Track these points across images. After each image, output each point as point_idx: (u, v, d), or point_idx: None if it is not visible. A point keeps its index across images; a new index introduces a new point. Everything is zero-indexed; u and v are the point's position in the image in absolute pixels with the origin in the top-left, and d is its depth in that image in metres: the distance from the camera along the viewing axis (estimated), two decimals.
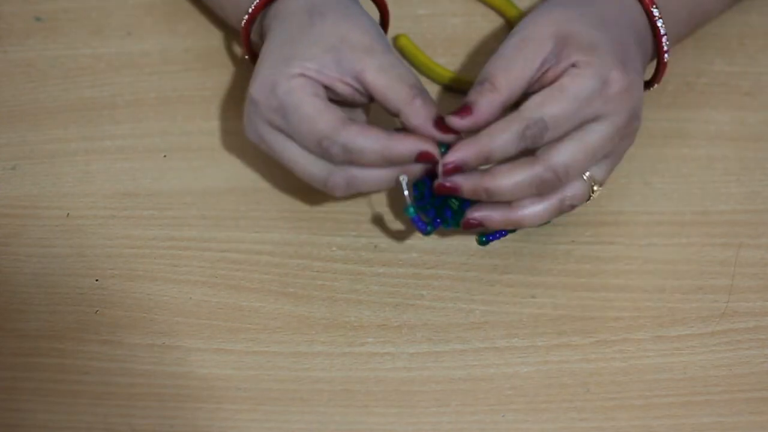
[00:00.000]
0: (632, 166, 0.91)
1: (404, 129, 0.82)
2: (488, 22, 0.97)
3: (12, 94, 0.95)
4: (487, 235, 0.89)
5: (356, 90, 0.82)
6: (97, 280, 0.88)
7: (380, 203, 0.91)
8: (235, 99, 0.94)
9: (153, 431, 0.84)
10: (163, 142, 0.93)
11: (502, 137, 0.80)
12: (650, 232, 0.90)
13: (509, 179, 0.81)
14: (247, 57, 0.89)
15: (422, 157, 0.81)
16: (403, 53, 0.95)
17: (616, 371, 0.85)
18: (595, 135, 0.82)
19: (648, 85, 0.89)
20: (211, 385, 0.85)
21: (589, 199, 0.84)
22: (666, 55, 0.87)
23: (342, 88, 0.82)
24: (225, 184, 0.91)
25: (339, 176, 0.82)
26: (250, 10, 0.86)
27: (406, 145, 0.81)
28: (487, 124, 0.81)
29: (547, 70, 0.82)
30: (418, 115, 0.81)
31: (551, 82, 0.81)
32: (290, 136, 0.83)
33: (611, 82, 0.81)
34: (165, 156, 0.93)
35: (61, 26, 0.97)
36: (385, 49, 0.83)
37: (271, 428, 0.84)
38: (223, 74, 0.95)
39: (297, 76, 0.82)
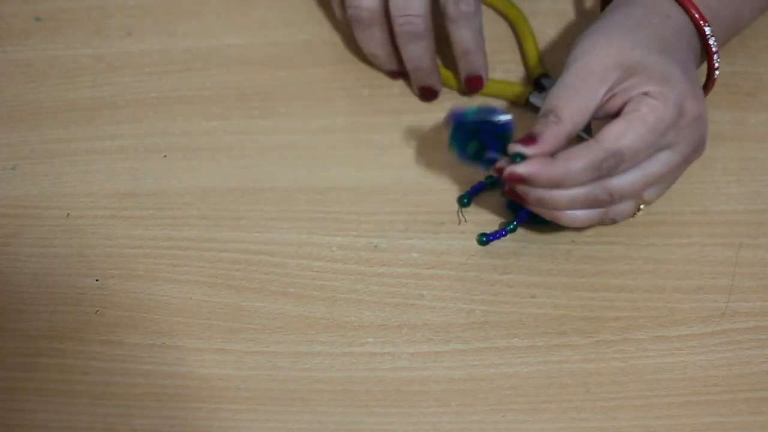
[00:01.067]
0: None
1: None
2: (488, 22, 0.97)
3: (12, 94, 0.95)
4: (487, 235, 0.89)
5: None
6: (97, 280, 0.88)
7: (380, 203, 0.91)
8: (236, 99, 0.94)
9: (153, 431, 0.84)
10: (163, 142, 0.93)
11: (578, 165, 0.80)
12: (650, 232, 0.89)
13: (566, 194, 0.82)
14: None
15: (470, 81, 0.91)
16: None
17: (616, 371, 0.85)
18: (661, 163, 0.82)
19: None
20: (211, 385, 0.85)
21: (633, 216, 0.84)
22: (716, 72, 0.87)
23: None
24: (225, 184, 0.91)
25: None
26: None
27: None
28: (551, 154, 0.81)
29: (611, 97, 0.82)
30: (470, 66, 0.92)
31: (618, 109, 0.81)
32: None
33: (686, 111, 0.81)
34: (165, 156, 0.93)
35: (61, 26, 0.97)
36: None
37: (271, 428, 0.84)
38: (223, 74, 0.95)
39: None
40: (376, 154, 0.93)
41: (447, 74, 0.94)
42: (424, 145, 0.93)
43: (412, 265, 0.89)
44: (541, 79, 0.94)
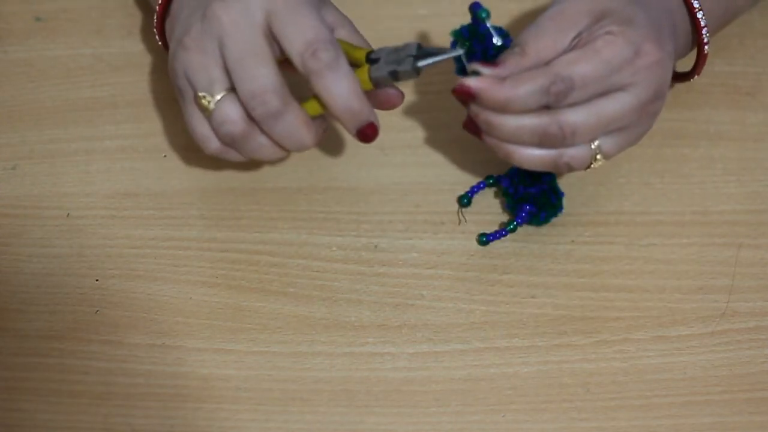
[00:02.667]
0: (632, 166, 0.91)
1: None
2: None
3: (12, 94, 0.95)
4: (487, 235, 0.89)
5: None
6: (97, 280, 0.88)
7: (380, 203, 0.91)
8: None
9: (153, 431, 0.84)
10: (163, 142, 0.93)
11: (526, 87, 0.80)
12: (650, 232, 0.90)
13: (514, 120, 0.81)
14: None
15: None
16: None
17: (616, 371, 0.85)
18: (616, 103, 0.81)
19: (687, 76, 0.90)
20: (211, 385, 0.85)
21: (588, 167, 0.83)
22: (706, 47, 0.87)
23: None
24: (225, 184, 0.91)
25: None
26: None
27: None
28: None
29: (579, 41, 0.82)
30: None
31: None
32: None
33: (643, 53, 0.81)
34: (165, 156, 0.93)
35: (61, 26, 0.97)
36: None
37: (271, 428, 0.84)
38: None
39: None
40: (376, 154, 0.93)
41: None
42: (424, 145, 0.93)
43: (412, 265, 0.89)
44: (369, 56, 0.84)
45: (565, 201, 0.89)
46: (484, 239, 0.89)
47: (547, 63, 0.81)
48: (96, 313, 0.87)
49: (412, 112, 0.94)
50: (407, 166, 0.92)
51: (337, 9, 0.86)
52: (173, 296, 0.88)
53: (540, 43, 0.81)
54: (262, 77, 0.81)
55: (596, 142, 0.82)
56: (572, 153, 0.83)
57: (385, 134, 0.92)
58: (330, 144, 0.93)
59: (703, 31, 0.87)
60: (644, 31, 0.82)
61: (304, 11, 0.81)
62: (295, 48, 0.81)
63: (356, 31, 0.86)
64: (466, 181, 0.91)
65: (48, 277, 0.88)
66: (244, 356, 0.86)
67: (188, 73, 0.83)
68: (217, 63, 0.82)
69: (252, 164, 0.92)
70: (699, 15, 0.86)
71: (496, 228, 0.89)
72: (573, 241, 0.89)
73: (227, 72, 0.82)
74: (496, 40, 0.83)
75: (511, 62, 0.81)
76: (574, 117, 0.81)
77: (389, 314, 0.87)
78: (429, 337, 0.86)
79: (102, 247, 0.89)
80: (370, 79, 0.83)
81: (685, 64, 0.90)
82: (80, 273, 0.88)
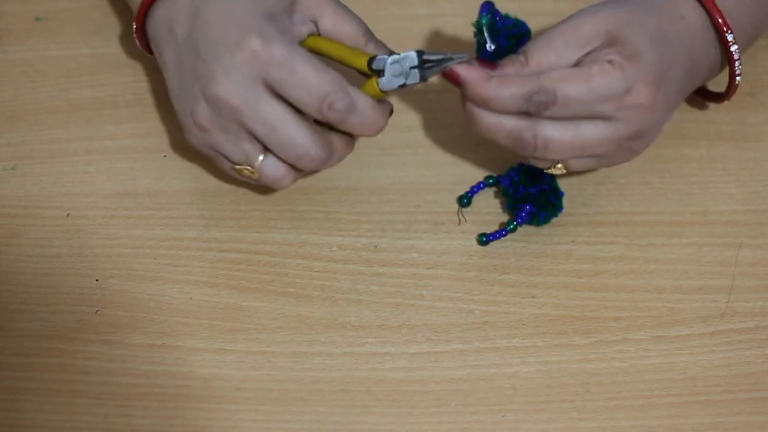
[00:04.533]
0: (632, 166, 0.91)
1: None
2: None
3: (12, 94, 0.95)
4: (487, 235, 0.89)
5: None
6: (97, 280, 0.88)
7: (380, 203, 0.91)
8: None
9: (153, 431, 0.84)
10: (163, 142, 0.93)
11: (509, 90, 0.81)
12: (650, 232, 0.90)
13: (494, 118, 0.82)
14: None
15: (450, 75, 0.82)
16: (317, 52, 0.87)
17: (616, 371, 0.85)
18: (595, 130, 0.82)
19: (718, 98, 0.90)
20: (211, 385, 0.85)
21: (547, 168, 0.84)
22: (737, 78, 0.87)
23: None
24: (225, 184, 0.91)
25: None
26: None
27: None
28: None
29: (584, 61, 0.82)
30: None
31: None
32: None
33: (634, 92, 0.81)
34: (165, 156, 0.93)
35: (61, 26, 0.97)
36: None
37: (271, 428, 0.84)
38: None
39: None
40: (376, 154, 0.93)
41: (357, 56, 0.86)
42: (424, 145, 0.93)
43: (412, 265, 0.89)
44: (370, 65, 0.85)
45: (565, 201, 0.89)
46: (484, 239, 0.89)
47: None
48: (96, 313, 0.87)
49: (412, 112, 0.94)
50: (407, 166, 0.92)
51: None
52: (173, 296, 0.88)
53: (543, 57, 0.82)
54: (299, 138, 0.83)
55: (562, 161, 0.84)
56: (535, 159, 0.84)
57: (385, 134, 0.92)
58: None
59: (736, 64, 0.86)
60: (646, 70, 0.81)
61: (298, 66, 0.82)
62: (309, 108, 0.83)
63: (340, 11, 0.86)
64: (466, 181, 0.91)
65: (48, 277, 0.88)
66: (244, 356, 0.86)
67: (216, 149, 0.85)
68: (245, 137, 0.84)
69: None
70: (733, 48, 0.86)
71: (496, 228, 0.89)
72: (573, 241, 0.89)
73: (257, 139, 0.84)
74: (489, 46, 0.83)
75: (510, 69, 0.82)
76: (551, 131, 0.82)
77: (389, 314, 0.87)
78: (429, 337, 0.86)
79: (102, 247, 0.89)
80: (380, 91, 0.84)
81: (719, 82, 0.90)
82: (80, 273, 0.88)
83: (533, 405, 0.84)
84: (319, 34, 0.86)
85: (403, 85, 0.84)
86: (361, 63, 0.85)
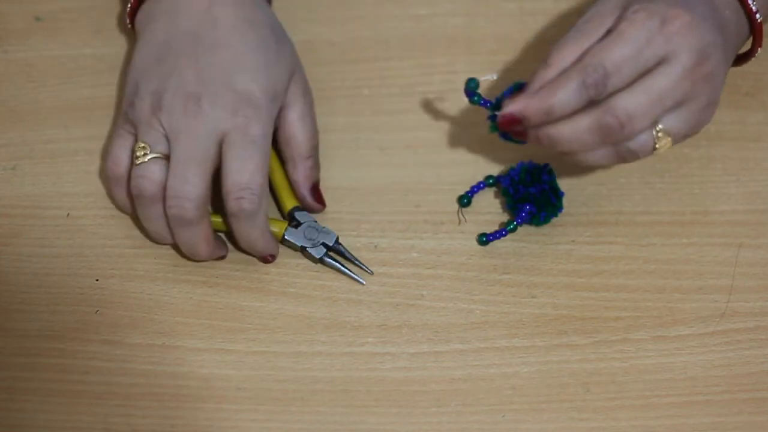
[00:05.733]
0: (632, 166, 0.91)
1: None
2: (488, 23, 0.97)
3: (12, 94, 0.95)
4: (487, 235, 0.89)
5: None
6: (97, 280, 0.88)
7: (380, 203, 0.91)
8: None
9: (153, 431, 0.84)
10: None
11: (563, 89, 0.79)
12: (650, 232, 0.90)
13: (570, 125, 0.80)
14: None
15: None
16: None
17: (616, 371, 0.85)
18: (661, 78, 0.80)
19: (748, 55, 0.88)
20: (211, 385, 0.85)
21: (654, 150, 0.82)
22: (758, 15, 0.84)
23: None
24: None
25: None
26: None
27: None
28: None
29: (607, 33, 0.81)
30: (305, 174, 0.89)
31: None
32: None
33: (670, 19, 0.80)
34: None
35: (61, 26, 0.97)
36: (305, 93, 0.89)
37: (271, 428, 0.84)
38: None
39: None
40: (376, 154, 0.93)
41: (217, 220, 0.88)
42: (424, 145, 0.93)
43: (412, 265, 0.89)
44: (294, 211, 0.89)
45: (565, 201, 0.89)
46: (484, 239, 0.89)
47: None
48: (96, 313, 0.87)
49: (412, 112, 0.94)
50: (407, 166, 0.92)
51: (304, 80, 0.89)
52: (173, 296, 0.88)
53: (562, 51, 0.81)
54: (191, 185, 0.84)
55: (659, 126, 0.81)
56: (635, 141, 0.81)
57: (385, 134, 0.92)
58: (330, 144, 0.93)
59: (750, 1, 0.84)
60: (667, 2, 0.80)
61: (251, 150, 0.84)
62: (227, 185, 0.84)
63: (305, 116, 0.89)
64: (466, 181, 0.91)
65: (48, 277, 0.88)
66: (244, 356, 0.86)
67: (142, 119, 0.85)
68: (163, 132, 0.85)
69: None
70: None
71: (496, 228, 0.89)
72: (573, 241, 0.89)
73: (171, 153, 0.85)
74: (488, 102, 0.84)
75: (536, 79, 0.81)
76: (624, 101, 0.80)
77: (389, 314, 0.87)
78: (429, 337, 0.86)
79: (102, 247, 0.89)
80: (283, 238, 0.88)
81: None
82: (80, 273, 0.88)
83: (533, 405, 0.84)
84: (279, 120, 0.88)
85: (303, 249, 0.87)
86: (288, 204, 0.89)
